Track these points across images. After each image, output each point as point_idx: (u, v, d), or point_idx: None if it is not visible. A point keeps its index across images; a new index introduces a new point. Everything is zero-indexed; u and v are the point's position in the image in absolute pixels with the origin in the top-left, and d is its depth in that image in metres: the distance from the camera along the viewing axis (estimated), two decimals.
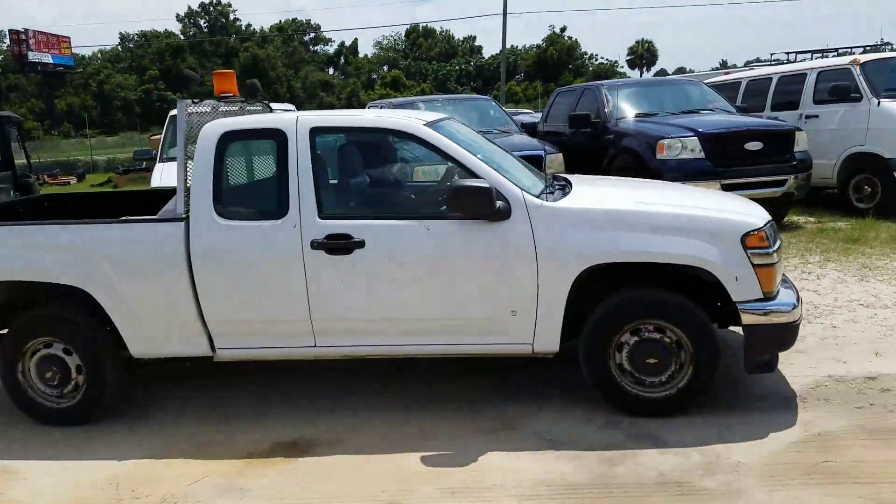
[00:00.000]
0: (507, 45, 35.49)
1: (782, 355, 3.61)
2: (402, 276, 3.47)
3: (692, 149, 7.17)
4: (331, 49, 71.21)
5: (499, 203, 3.33)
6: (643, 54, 70.32)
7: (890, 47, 29.21)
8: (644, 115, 8.31)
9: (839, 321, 4.68)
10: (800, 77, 9.04)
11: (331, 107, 54.25)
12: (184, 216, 3.56)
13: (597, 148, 8.27)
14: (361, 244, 3.44)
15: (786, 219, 8.10)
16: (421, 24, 72.00)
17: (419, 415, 3.65)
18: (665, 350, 3.39)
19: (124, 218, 3.77)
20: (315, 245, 3.45)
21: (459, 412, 3.65)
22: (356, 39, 71.95)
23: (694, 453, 3.09)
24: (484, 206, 3.32)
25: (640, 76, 60.16)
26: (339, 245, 3.45)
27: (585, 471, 3.02)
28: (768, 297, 3.32)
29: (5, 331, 3.84)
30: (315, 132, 3.61)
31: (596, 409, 3.55)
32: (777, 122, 7.99)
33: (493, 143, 4.40)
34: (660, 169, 7.14)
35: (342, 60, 71.63)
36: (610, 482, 2.93)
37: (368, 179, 4.18)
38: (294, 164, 3.53)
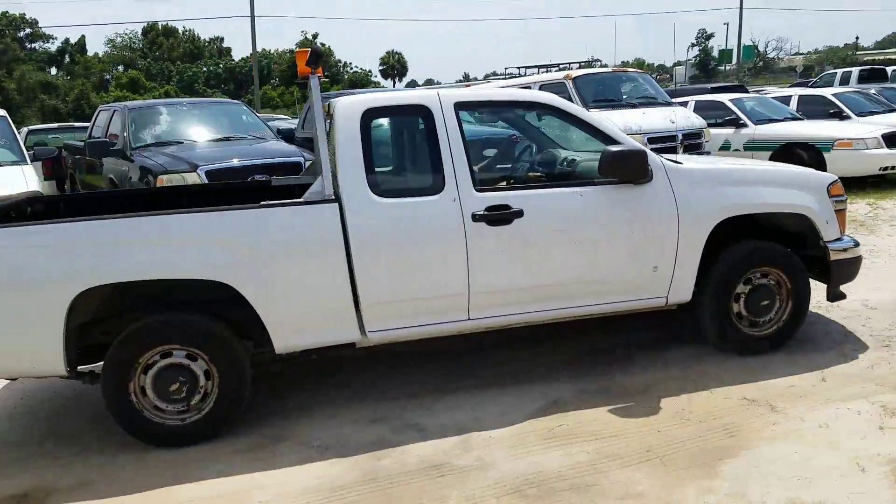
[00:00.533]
0: (259, 49, 34.47)
1: None
2: (558, 242, 3.63)
3: None
4: (53, 46, 62.71)
5: None
6: (394, 65, 73.17)
7: (599, 63, 34.21)
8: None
9: None
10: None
11: (55, 111, 47.72)
12: (334, 197, 3.39)
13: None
14: (520, 213, 3.55)
15: None
16: (160, 23, 66.60)
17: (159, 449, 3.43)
18: (772, 292, 4.03)
19: (264, 203, 3.41)
20: (476, 217, 3.50)
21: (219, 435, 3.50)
22: (83, 36, 64.16)
23: (451, 436, 3.34)
24: (640, 169, 3.64)
25: (393, 86, 62.48)
26: (500, 216, 3.53)
27: (354, 470, 3.09)
28: (840, 238, 4.11)
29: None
30: (459, 107, 3.64)
31: (362, 409, 3.67)
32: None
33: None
34: None
35: (67, 59, 63.46)
36: (377, 476, 3.04)
37: (514, 151, 4.30)
38: (445, 139, 3.56)
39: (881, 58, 43.76)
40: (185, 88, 56.15)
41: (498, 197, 3.58)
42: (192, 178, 6.60)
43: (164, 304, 3.40)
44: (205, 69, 62.75)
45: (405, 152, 4.15)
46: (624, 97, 9.63)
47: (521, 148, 4.47)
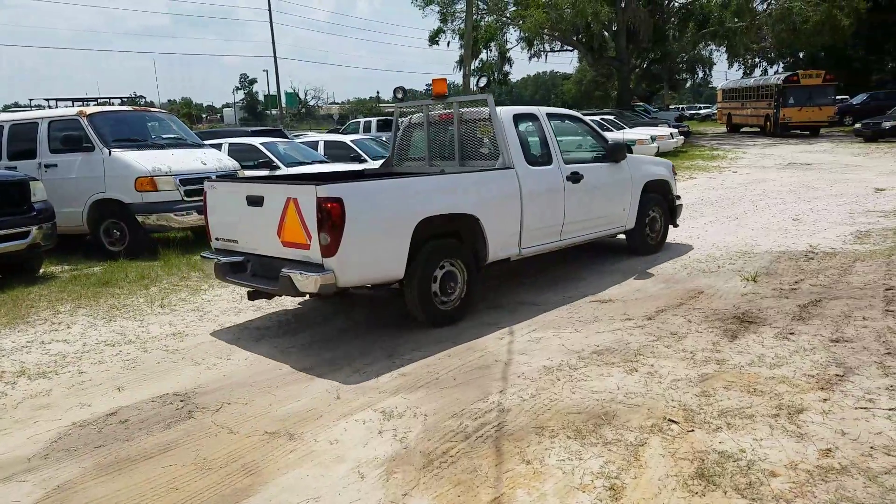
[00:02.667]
0: None
1: None
2: (596, 193, 6.69)
3: None
4: None
5: None
6: None
7: (144, 100, 32.30)
8: None
9: (86, 366, 4.77)
10: (32, 126, 8.86)
11: None
12: (511, 166, 5.86)
13: None
14: (582, 177, 6.50)
15: (41, 270, 7.81)
16: None
17: None
18: (662, 216, 7.90)
19: (482, 168, 5.96)
20: (566, 178, 6.36)
21: None
22: None
23: None
24: (624, 154, 7.05)
25: None
26: (576, 178, 6.45)
27: None
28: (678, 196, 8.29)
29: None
30: (549, 116, 6.59)
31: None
32: (7, 173, 7.57)
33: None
34: None
35: None
36: None
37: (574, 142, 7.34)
38: (550, 134, 6.43)
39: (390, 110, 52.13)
40: None
41: (573, 168, 6.45)
42: None
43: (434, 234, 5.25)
44: None
45: (532, 140, 6.40)
46: (152, 137, 9.19)
47: (578, 142, 7.39)
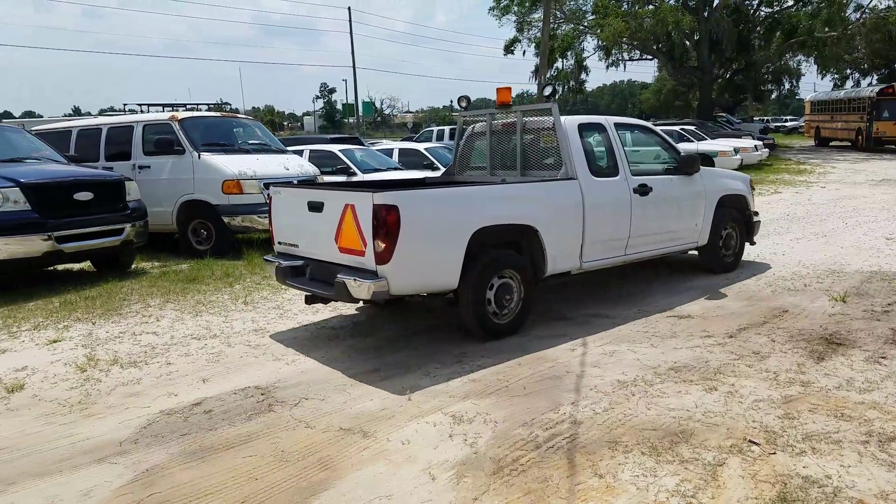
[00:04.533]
0: None
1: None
2: (667, 207, 6.39)
3: (15, 200, 6.56)
4: None
5: None
6: None
7: (229, 107, 33.86)
8: None
9: (174, 357, 5.03)
10: (128, 129, 9.42)
11: None
12: (574, 177, 5.69)
13: None
14: (651, 189, 6.19)
15: (133, 266, 8.29)
16: None
17: None
18: (738, 236, 7.53)
19: (546, 178, 5.78)
20: (634, 190, 6.05)
21: None
22: None
23: None
24: (697, 166, 6.66)
25: None
26: (644, 190, 6.14)
27: None
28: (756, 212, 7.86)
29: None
30: (617, 126, 6.31)
31: None
32: (104, 173, 8.10)
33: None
34: None
35: None
36: None
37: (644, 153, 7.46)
38: (617, 144, 6.13)
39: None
40: None
41: (641, 180, 6.20)
42: None
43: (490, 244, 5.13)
44: None
45: (597, 151, 6.22)
46: (238, 142, 9.61)
47: (649, 153, 7.40)
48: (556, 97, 5.87)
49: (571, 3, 33.61)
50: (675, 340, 5.10)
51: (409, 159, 13.18)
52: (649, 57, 35.65)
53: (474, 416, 3.84)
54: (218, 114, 11.37)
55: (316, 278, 5.26)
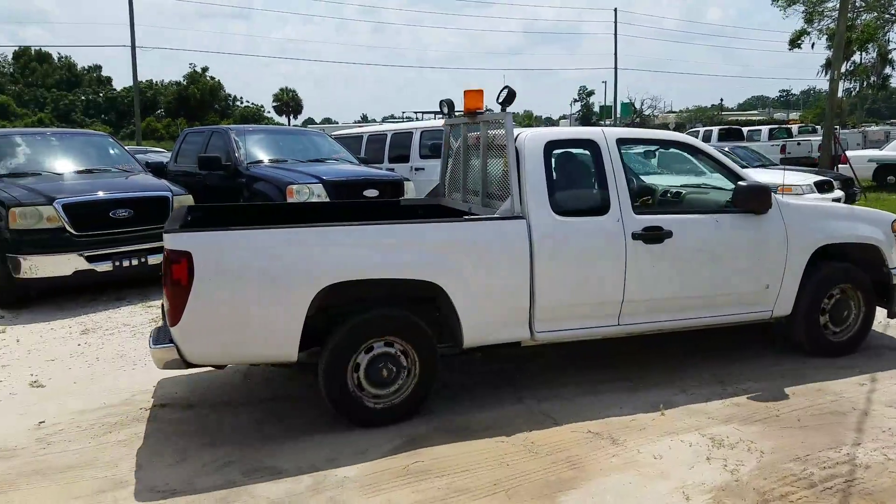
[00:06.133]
0: (144, 79, 33.16)
1: None
2: (699, 260, 4.35)
3: (318, 195, 7.66)
4: None
5: None
6: (289, 102, 72.52)
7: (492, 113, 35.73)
8: (275, 161, 8.61)
9: None
10: (408, 135, 10.42)
11: None
12: (522, 215, 3.99)
13: (228, 190, 8.26)
14: (670, 234, 4.25)
15: None
16: (33, 47, 62.66)
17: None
18: (850, 306, 4.91)
19: (466, 217, 4.24)
20: (635, 236, 4.16)
21: (61, 481, 3.26)
22: None
23: (305, 477, 3.28)
24: (766, 202, 4.45)
25: (289, 123, 61.77)
26: (654, 235, 4.21)
27: None
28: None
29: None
30: (620, 143, 4.33)
31: (213, 450, 3.54)
32: (389, 173, 9.05)
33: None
34: None
35: None
36: None
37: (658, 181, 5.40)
38: (610, 169, 4.22)
39: (742, 119, 48.48)
40: (62, 117, 52.92)
41: (652, 219, 4.28)
42: (49, 212, 6.30)
43: (370, 301, 3.87)
44: (83, 98, 59.48)
45: (578, 178, 4.56)
46: None
47: (693, 181, 5.48)
48: (509, 105, 4.20)
49: None
50: None
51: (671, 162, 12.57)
52: None
53: (737, 441, 3.57)
54: None
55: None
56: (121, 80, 79.60)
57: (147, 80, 59.70)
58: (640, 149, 5.86)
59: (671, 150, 5.29)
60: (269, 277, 3.55)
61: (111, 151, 8.25)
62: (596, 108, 68.47)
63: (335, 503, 3.06)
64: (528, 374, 4.65)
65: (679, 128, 50.45)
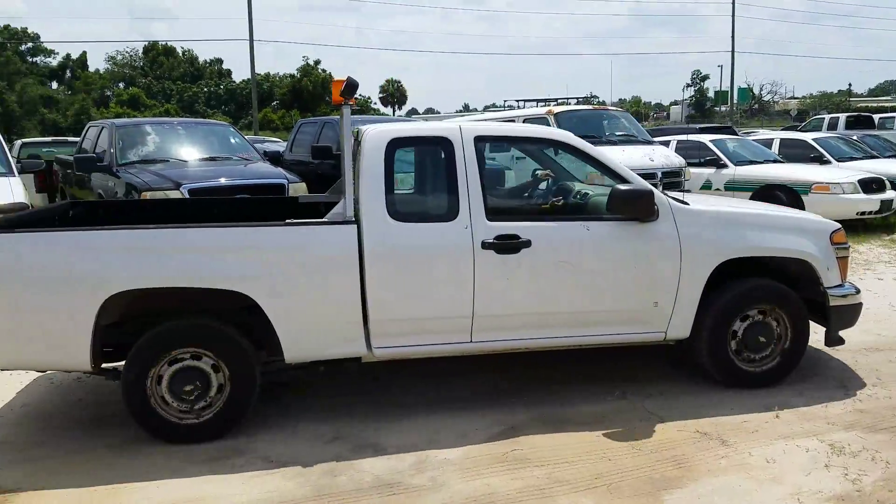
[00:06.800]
0: (261, 72, 34.90)
1: None
2: (563, 272, 3.79)
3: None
4: (54, 61, 63.11)
5: None
6: (394, 93, 74.02)
7: (597, 100, 34.88)
8: None
9: None
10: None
11: (55, 125, 47.98)
12: (354, 219, 3.59)
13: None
14: (528, 244, 3.72)
15: None
16: (160, 42, 67.38)
17: (126, 452, 3.48)
18: (771, 330, 4.10)
19: (289, 221, 3.63)
20: (485, 245, 3.68)
21: (178, 445, 3.55)
22: (84, 52, 64.64)
23: (408, 455, 3.39)
24: (647, 208, 3.79)
25: (393, 114, 63.07)
26: (508, 245, 3.71)
27: (307, 485, 3.14)
28: (841, 284, 4.18)
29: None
30: (479, 140, 3.84)
31: (323, 426, 3.72)
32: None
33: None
34: None
35: (68, 74, 63.92)
36: (330, 492, 3.08)
37: (526, 184, 4.55)
38: (463, 170, 3.75)
39: (874, 105, 44.64)
40: (186, 108, 56.63)
41: (508, 227, 3.75)
42: (175, 196, 6.74)
43: (182, 310, 3.64)
44: (205, 89, 63.39)
45: (425, 180, 4.27)
46: (605, 134, 9.81)
47: (537, 181, 4.60)
48: (349, 97, 3.76)
49: None
50: None
51: (793, 151, 11.78)
52: None
53: (859, 450, 3.34)
54: (589, 107, 11.78)
55: None
56: (239, 73, 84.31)
57: (264, 73, 62.79)
58: (505, 147, 5.00)
59: (543, 149, 4.54)
60: (52, 282, 3.36)
61: (232, 140, 8.76)
62: (711, 94, 65.20)
63: (436, 483, 3.14)
64: (630, 369, 4.55)
65: (801, 115, 47.10)
